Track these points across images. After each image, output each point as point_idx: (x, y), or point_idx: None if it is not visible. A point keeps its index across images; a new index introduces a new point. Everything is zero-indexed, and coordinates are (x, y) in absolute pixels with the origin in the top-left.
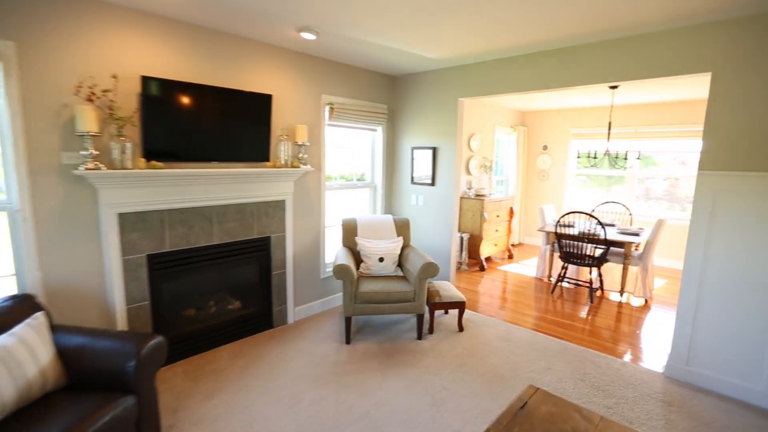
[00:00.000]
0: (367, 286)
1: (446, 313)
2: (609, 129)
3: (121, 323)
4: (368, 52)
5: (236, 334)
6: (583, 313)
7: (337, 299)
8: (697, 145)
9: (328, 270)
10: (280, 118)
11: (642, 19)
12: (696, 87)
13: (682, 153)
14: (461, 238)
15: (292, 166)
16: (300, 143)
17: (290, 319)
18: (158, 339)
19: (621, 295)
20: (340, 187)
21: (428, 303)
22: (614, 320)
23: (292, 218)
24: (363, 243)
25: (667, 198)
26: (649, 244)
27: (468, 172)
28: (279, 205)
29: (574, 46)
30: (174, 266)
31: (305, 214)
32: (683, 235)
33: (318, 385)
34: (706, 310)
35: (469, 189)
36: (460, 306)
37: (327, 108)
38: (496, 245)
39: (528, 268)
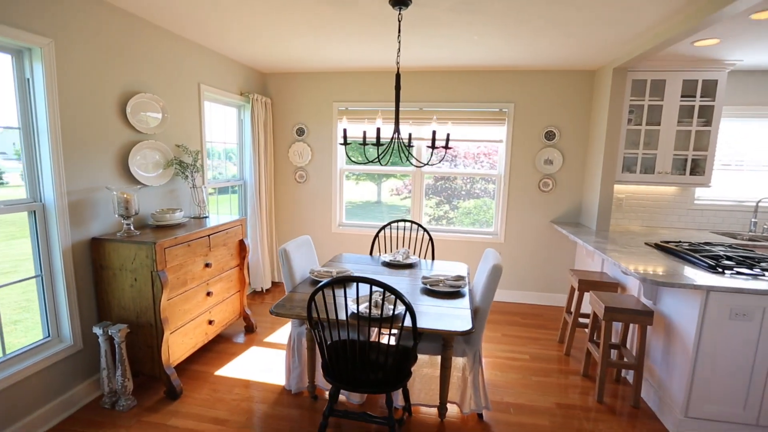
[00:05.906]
0: None
1: None
2: (397, 97)
3: None
4: None
5: None
6: None
7: None
8: (500, 132)
9: None
10: None
11: None
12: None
13: (482, 143)
14: (109, 338)
15: None
16: None
17: None
18: None
19: (442, 413)
20: None
21: None
22: None
23: None
24: None
25: (463, 196)
26: (481, 314)
27: (130, 178)
28: None
29: None
30: None
31: None
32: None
33: None
34: None
35: (125, 218)
36: None
37: None
38: (211, 322)
39: (282, 357)
